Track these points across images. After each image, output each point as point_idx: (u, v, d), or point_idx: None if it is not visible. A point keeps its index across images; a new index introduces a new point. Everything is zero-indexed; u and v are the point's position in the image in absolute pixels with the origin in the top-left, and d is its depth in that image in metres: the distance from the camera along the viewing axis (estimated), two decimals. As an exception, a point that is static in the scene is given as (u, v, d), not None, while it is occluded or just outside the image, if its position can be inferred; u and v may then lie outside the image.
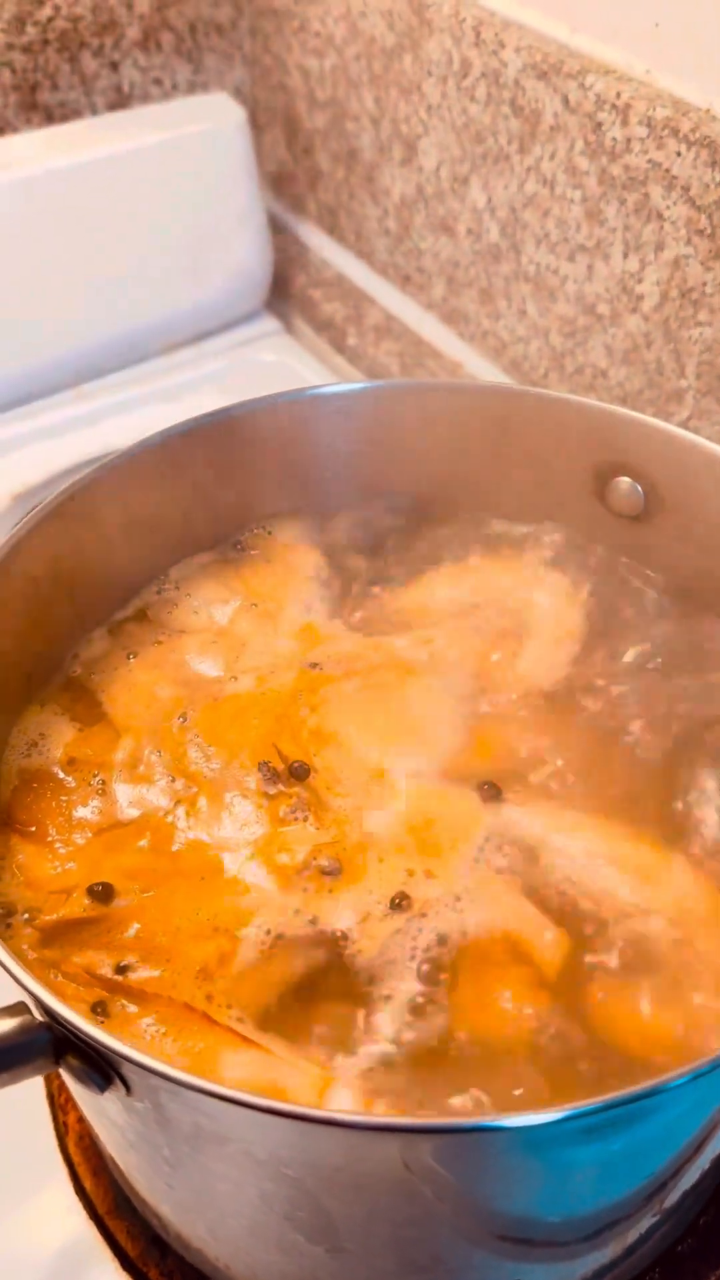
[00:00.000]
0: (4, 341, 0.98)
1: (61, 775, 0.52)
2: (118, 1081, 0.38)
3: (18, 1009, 0.39)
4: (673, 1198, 0.50)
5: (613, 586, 0.61)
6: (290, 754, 0.52)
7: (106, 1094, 0.39)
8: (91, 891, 0.48)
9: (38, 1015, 0.38)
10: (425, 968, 0.46)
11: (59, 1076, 0.62)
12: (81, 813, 0.51)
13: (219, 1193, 0.42)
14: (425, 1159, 0.37)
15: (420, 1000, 0.45)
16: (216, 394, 0.58)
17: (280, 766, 0.51)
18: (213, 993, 0.45)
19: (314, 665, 0.56)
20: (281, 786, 0.51)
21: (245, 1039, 0.44)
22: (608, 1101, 0.35)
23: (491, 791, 0.51)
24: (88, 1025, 0.36)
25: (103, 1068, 0.38)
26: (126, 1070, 0.37)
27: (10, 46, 1.01)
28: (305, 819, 0.50)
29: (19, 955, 0.40)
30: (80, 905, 0.48)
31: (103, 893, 0.48)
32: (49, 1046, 0.38)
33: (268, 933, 0.47)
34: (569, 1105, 0.35)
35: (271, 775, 0.51)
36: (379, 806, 0.51)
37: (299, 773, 0.52)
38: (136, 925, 0.47)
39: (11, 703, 0.54)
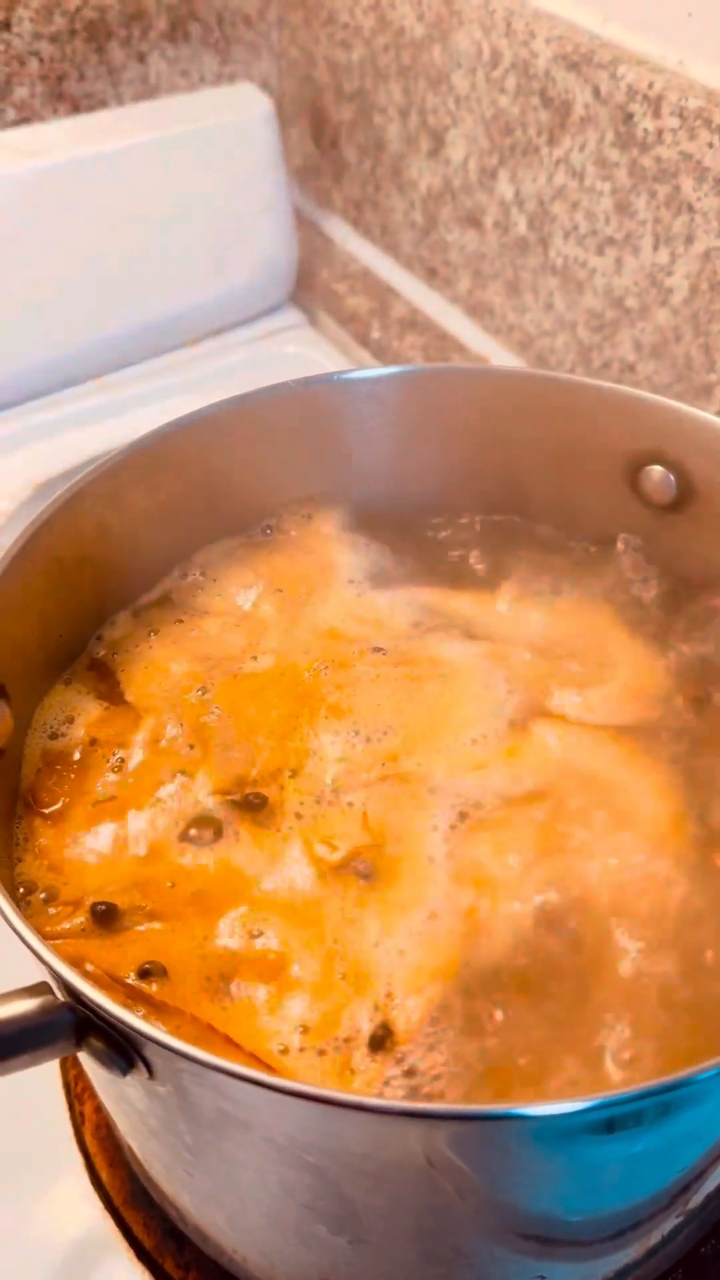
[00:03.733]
0: (28, 331, 0.98)
1: (84, 757, 0.52)
2: (140, 1065, 0.37)
3: (39, 989, 0.38)
4: (697, 1199, 0.49)
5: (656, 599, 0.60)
6: (250, 780, 0.51)
7: (128, 1078, 0.38)
8: (94, 911, 0.46)
9: (60, 996, 0.38)
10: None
11: (75, 1066, 0.62)
12: (103, 794, 0.51)
13: (240, 1181, 0.42)
14: (448, 1149, 0.36)
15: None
16: (239, 386, 0.57)
17: (237, 798, 0.50)
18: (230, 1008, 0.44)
19: (377, 649, 0.55)
20: (248, 818, 0.50)
21: (268, 1067, 0.42)
22: (635, 1093, 0.35)
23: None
24: (112, 1006, 0.35)
25: (125, 1050, 0.37)
26: (150, 1053, 0.36)
27: (38, 36, 1.01)
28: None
29: (41, 934, 0.39)
30: (80, 926, 0.46)
31: (105, 914, 0.46)
32: (71, 1028, 0.38)
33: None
34: (595, 1095, 0.34)
35: (233, 806, 0.50)
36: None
37: (255, 804, 0.50)
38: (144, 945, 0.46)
39: (35, 684, 0.53)
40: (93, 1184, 0.59)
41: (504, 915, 0.46)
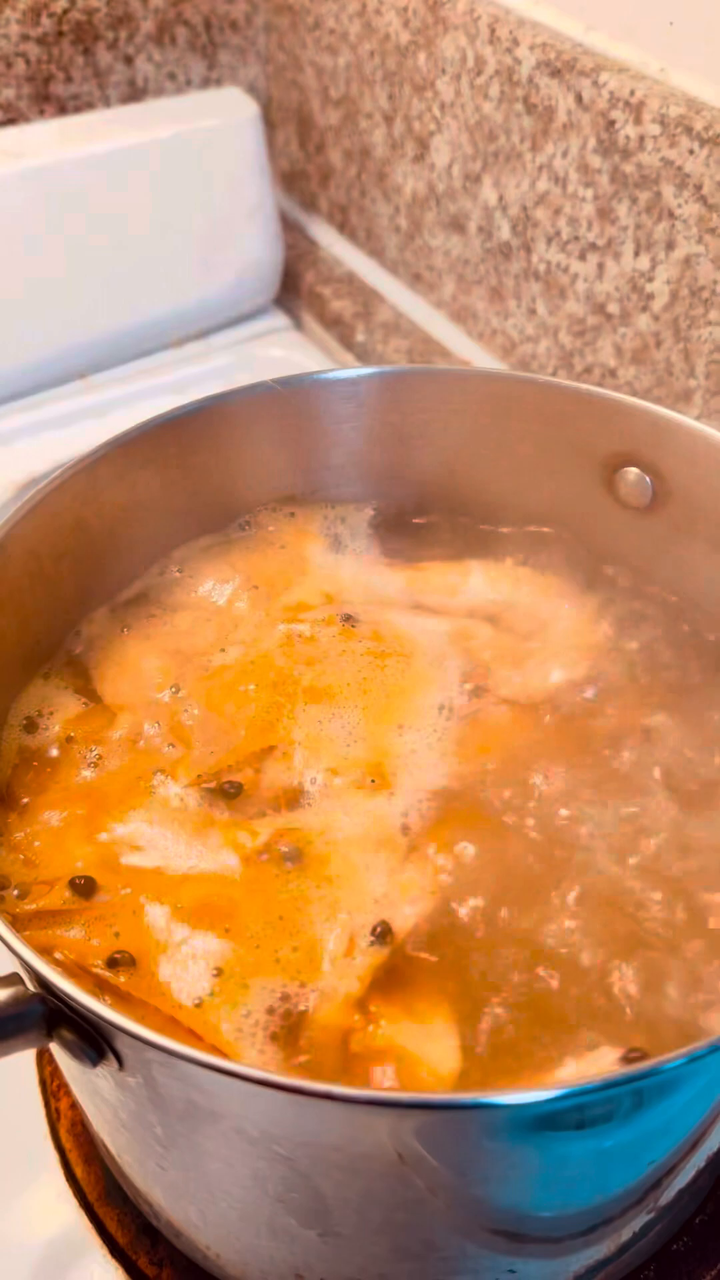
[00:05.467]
0: (12, 331, 0.98)
1: (60, 752, 0.52)
2: (110, 1056, 0.37)
3: (10, 980, 0.38)
4: (668, 1195, 0.49)
5: (630, 606, 0.60)
6: (223, 769, 0.52)
7: (99, 1069, 0.38)
8: (73, 884, 0.47)
9: (31, 987, 0.38)
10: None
11: (51, 1063, 0.62)
12: (78, 789, 0.51)
13: (211, 1173, 0.42)
14: (419, 1141, 0.36)
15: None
16: (223, 388, 0.58)
17: (213, 786, 0.51)
18: (204, 1000, 0.44)
19: (347, 618, 0.57)
20: (222, 804, 0.51)
21: (231, 1058, 0.42)
22: (604, 1081, 0.35)
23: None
24: (82, 996, 0.35)
25: (96, 1041, 0.37)
26: (120, 1043, 0.37)
27: (25, 38, 1.01)
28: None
29: (12, 926, 0.39)
30: (60, 897, 0.47)
31: (84, 886, 0.47)
32: (41, 1019, 0.38)
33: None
34: (564, 1084, 0.35)
35: (209, 795, 0.51)
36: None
37: (230, 791, 0.51)
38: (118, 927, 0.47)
39: (12, 678, 0.53)
40: (68, 1181, 0.59)
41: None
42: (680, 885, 0.48)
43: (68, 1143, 0.60)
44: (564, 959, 0.45)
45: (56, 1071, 0.62)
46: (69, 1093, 0.61)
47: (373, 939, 0.45)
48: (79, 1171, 0.59)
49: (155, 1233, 0.56)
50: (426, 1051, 0.44)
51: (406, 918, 0.46)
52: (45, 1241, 0.58)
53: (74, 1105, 0.61)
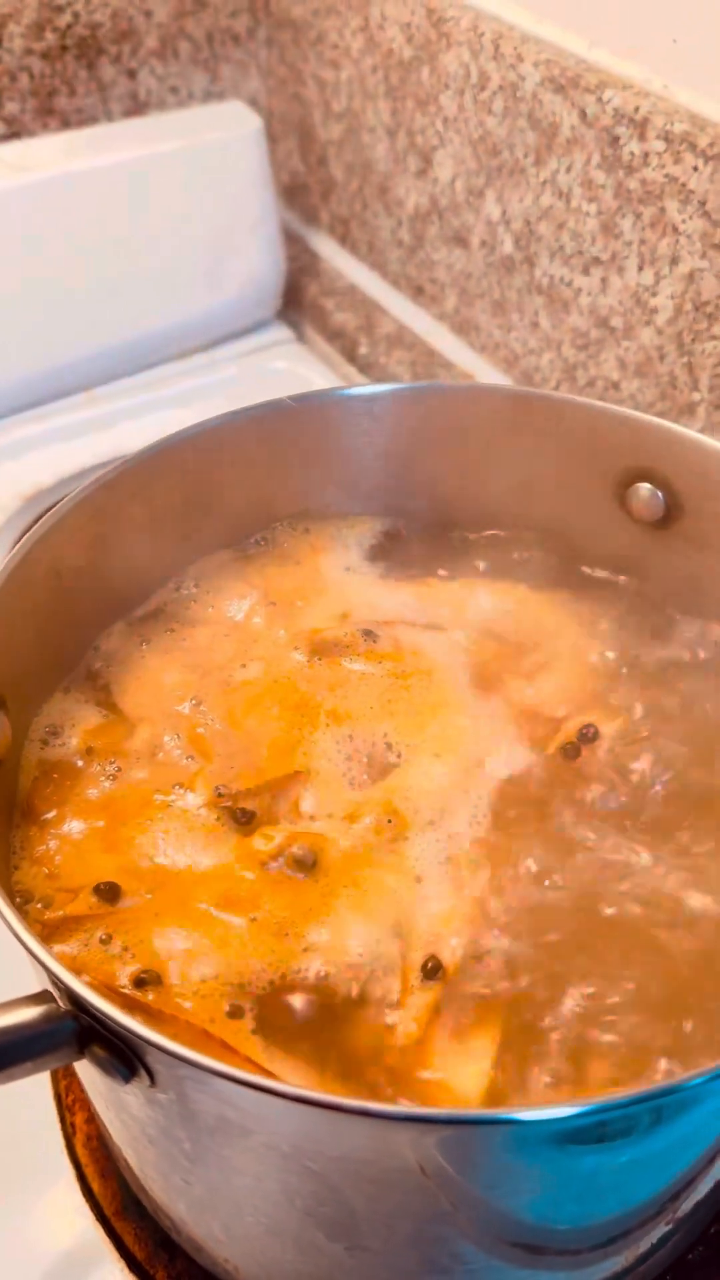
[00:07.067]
0: (16, 344, 0.98)
1: (80, 764, 0.52)
2: (142, 1072, 0.38)
3: (42, 997, 0.38)
4: (685, 1207, 0.50)
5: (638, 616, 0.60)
6: (240, 793, 0.52)
7: (128, 1086, 0.39)
8: (98, 890, 0.48)
9: (62, 1004, 0.38)
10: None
11: (66, 1076, 0.62)
12: (97, 800, 0.51)
13: (238, 1188, 0.42)
14: (443, 1155, 0.37)
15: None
16: (228, 401, 0.58)
17: (229, 806, 0.51)
18: (234, 1010, 0.44)
19: (367, 633, 0.57)
20: (237, 823, 0.51)
21: (263, 1069, 0.43)
22: (626, 1099, 0.35)
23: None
24: (116, 1013, 0.35)
25: (128, 1058, 0.37)
26: (153, 1060, 0.37)
27: (29, 52, 1.01)
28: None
29: (44, 942, 0.39)
30: (86, 904, 0.48)
31: (108, 891, 0.48)
32: (73, 1036, 0.38)
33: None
34: (586, 1100, 0.35)
35: (228, 815, 0.51)
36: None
37: (242, 818, 0.51)
38: (142, 931, 0.47)
39: (33, 693, 0.54)
40: (84, 1195, 0.59)
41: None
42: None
43: (83, 1157, 0.60)
44: (610, 990, 0.45)
45: (71, 1086, 0.62)
46: (84, 1107, 0.61)
47: (423, 975, 0.46)
48: (95, 1185, 0.59)
49: (173, 1247, 0.56)
50: (456, 1073, 0.44)
51: (453, 950, 0.46)
52: (62, 1254, 0.58)
53: (89, 1119, 0.61)
